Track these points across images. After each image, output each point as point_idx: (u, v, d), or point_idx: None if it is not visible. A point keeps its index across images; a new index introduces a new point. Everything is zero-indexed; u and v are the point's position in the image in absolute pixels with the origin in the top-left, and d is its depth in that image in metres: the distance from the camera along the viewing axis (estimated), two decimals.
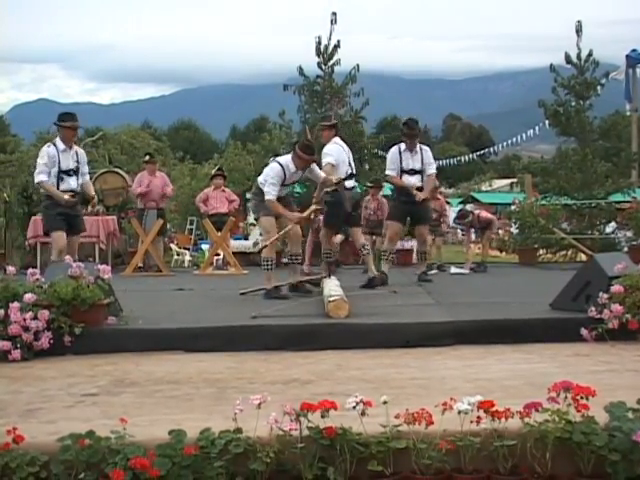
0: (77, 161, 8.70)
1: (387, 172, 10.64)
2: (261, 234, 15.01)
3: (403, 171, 10.35)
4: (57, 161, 8.57)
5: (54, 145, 8.72)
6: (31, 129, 33.38)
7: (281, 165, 8.62)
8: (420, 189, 10.30)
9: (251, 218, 16.62)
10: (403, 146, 10.37)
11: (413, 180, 10.31)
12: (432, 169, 10.55)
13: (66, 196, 8.58)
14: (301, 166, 8.67)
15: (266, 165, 9.42)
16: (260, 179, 8.82)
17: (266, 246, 8.74)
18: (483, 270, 13.17)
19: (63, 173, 8.61)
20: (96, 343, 6.24)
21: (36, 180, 8.85)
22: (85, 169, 9.07)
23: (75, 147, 8.85)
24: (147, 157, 14.41)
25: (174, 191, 15.53)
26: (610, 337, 6.12)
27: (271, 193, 8.56)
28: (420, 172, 10.35)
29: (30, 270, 6.72)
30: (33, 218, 13.86)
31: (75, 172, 8.67)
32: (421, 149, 10.43)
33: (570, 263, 13.96)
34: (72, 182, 8.67)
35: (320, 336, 6.30)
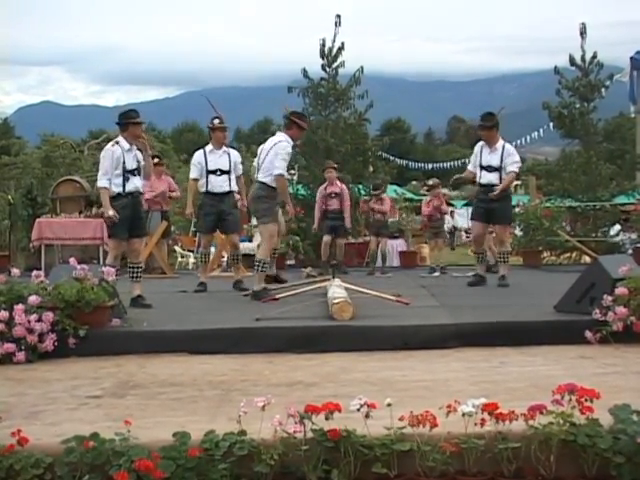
0: (138, 160, 8.37)
1: (468, 167, 10.65)
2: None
3: (481, 167, 10.15)
4: (122, 161, 8.22)
5: (118, 144, 8.35)
6: (35, 131, 33.41)
7: (287, 141, 8.85)
8: (494, 187, 10.05)
9: (255, 220, 16.59)
10: (483, 142, 10.26)
11: (490, 177, 10.09)
12: (513, 167, 10.13)
13: (110, 212, 8.17)
14: (299, 136, 9.19)
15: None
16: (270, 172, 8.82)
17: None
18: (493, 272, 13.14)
19: (128, 173, 8.25)
20: (100, 345, 6.24)
21: (98, 184, 8.51)
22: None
23: (134, 146, 8.45)
24: (156, 160, 14.38)
25: (181, 193, 15.45)
26: (614, 339, 6.11)
27: (282, 168, 8.78)
28: (498, 169, 10.05)
29: (34, 272, 6.73)
30: (37, 220, 13.87)
31: (138, 172, 8.36)
32: (503, 147, 10.16)
33: (574, 265, 13.93)
34: (137, 182, 8.32)
35: (324, 338, 6.31)
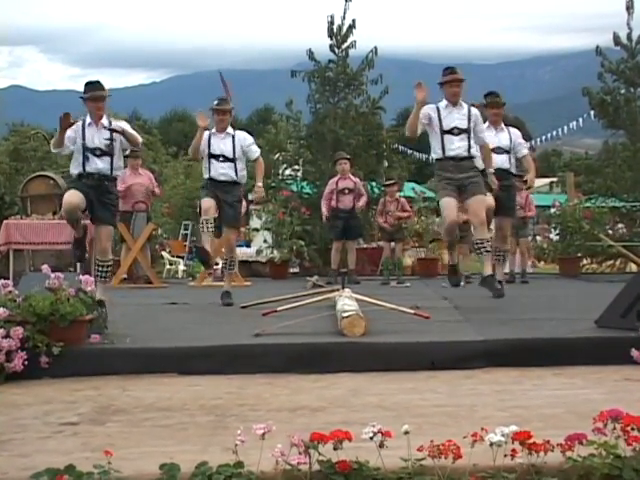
0: (110, 139, 8.27)
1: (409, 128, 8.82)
2: (274, 237, 15.17)
3: (443, 132, 8.55)
4: (81, 135, 8.24)
5: (84, 119, 8.40)
6: (2, 120, 33.54)
7: None
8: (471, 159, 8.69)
9: (254, 223, 16.63)
10: (443, 102, 8.73)
11: (459, 144, 8.62)
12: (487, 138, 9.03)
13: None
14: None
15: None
16: None
17: None
18: (525, 282, 13.17)
19: (88, 151, 8.21)
20: (77, 365, 6.24)
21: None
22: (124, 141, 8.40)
23: (113, 123, 8.42)
24: (127, 151, 14.41)
25: (162, 191, 15.51)
26: None
27: None
28: (467, 131, 8.54)
29: (1, 281, 6.73)
30: (5, 222, 13.89)
31: (106, 153, 8.25)
32: (469, 108, 8.81)
33: (618, 274, 13.93)
34: (100, 163, 8.23)
35: (333, 357, 6.31)
